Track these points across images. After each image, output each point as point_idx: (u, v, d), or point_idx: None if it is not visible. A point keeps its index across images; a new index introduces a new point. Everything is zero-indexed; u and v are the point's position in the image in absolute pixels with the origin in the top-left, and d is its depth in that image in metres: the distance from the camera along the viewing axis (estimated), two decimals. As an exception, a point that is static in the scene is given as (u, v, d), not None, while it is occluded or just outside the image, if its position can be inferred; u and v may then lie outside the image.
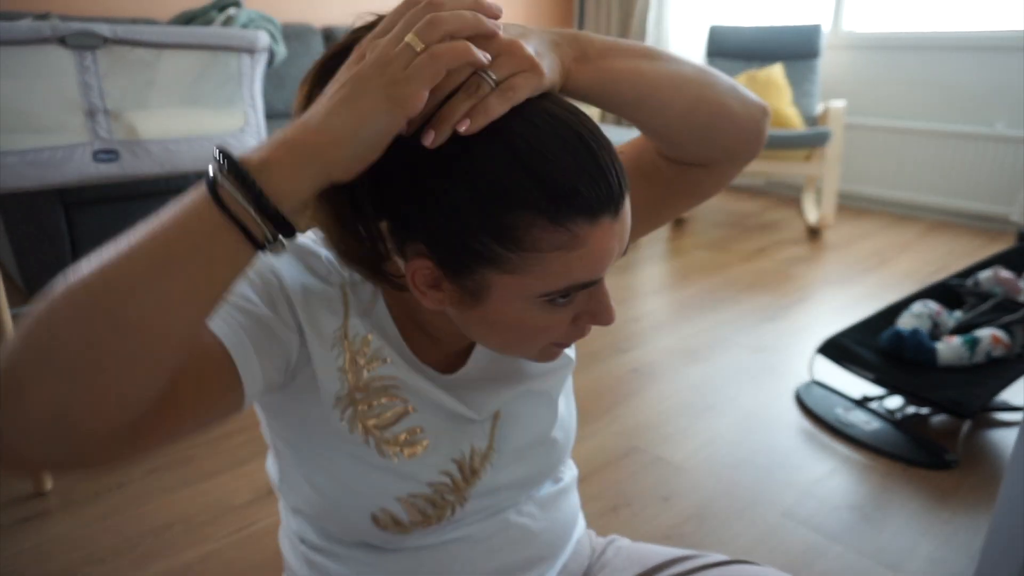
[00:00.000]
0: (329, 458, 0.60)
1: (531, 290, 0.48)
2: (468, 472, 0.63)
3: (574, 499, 0.77)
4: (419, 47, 0.42)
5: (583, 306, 0.52)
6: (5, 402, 0.37)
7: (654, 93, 0.55)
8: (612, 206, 0.47)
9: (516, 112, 0.46)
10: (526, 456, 0.67)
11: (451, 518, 0.63)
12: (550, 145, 0.45)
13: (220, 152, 0.40)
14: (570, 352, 0.70)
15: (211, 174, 0.40)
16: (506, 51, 0.46)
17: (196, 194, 0.40)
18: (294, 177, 0.41)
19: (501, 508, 0.68)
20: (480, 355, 0.65)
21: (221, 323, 0.50)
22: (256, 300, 0.53)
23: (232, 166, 0.40)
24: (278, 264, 0.56)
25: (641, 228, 0.66)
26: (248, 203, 0.40)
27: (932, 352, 1.69)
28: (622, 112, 0.56)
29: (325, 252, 0.58)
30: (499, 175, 0.45)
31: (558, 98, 0.50)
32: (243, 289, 0.53)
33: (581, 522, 0.79)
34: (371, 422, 0.59)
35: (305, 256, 0.58)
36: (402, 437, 0.60)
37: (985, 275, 1.96)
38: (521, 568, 0.68)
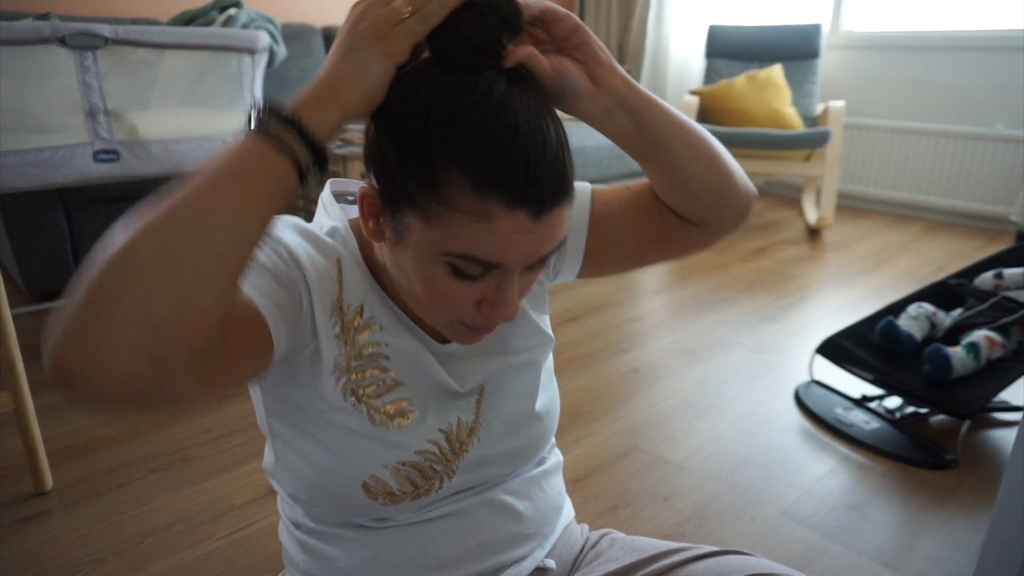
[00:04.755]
0: (323, 429, 0.62)
1: (439, 245, 0.53)
2: (456, 443, 0.66)
3: (558, 483, 0.78)
4: (406, 11, 0.51)
5: (490, 292, 0.56)
6: (96, 316, 0.41)
7: (683, 136, 0.62)
8: (531, 207, 0.51)
9: (494, 94, 0.51)
10: (512, 430, 0.69)
11: (439, 491, 0.65)
12: (503, 130, 0.50)
13: (261, 102, 0.49)
14: (548, 330, 0.74)
15: (257, 117, 0.49)
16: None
17: (244, 137, 0.49)
18: (321, 116, 0.50)
19: (487, 485, 0.70)
20: None
21: (251, 287, 0.54)
22: (273, 264, 0.57)
23: (276, 111, 0.49)
24: (282, 235, 0.60)
25: (627, 260, 0.73)
26: (293, 135, 0.48)
27: (952, 370, 1.65)
28: (645, 143, 0.61)
29: (325, 235, 0.63)
30: (448, 130, 0.50)
31: (544, 104, 0.54)
32: (260, 257, 0.56)
33: (569, 509, 0.81)
34: (363, 391, 0.62)
35: (306, 233, 0.62)
36: (392, 408, 0.63)
37: (1012, 272, 1.93)
38: (506, 546, 0.70)
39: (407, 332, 0.64)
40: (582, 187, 0.72)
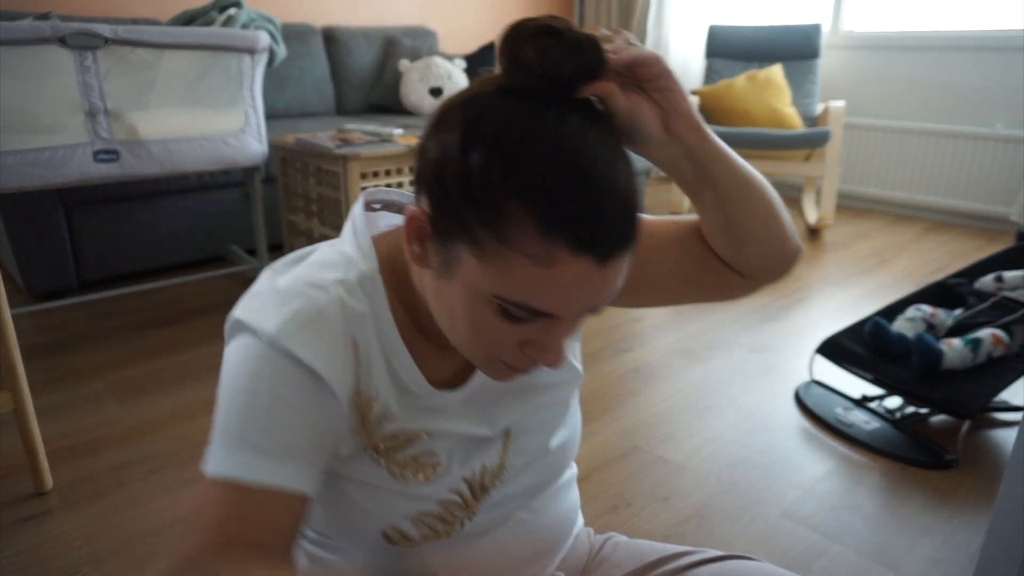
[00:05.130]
0: (341, 482, 0.60)
1: (492, 286, 0.48)
2: (478, 489, 0.64)
3: (573, 496, 0.77)
4: None
5: (536, 334, 0.52)
6: None
7: (744, 191, 0.60)
8: (599, 252, 0.47)
9: (567, 129, 0.47)
10: (534, 467, 0.67)
11: (460, 531, 0.64)
12: (575, 168, 0.46)
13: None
14: (578, 364, 0.71)
15: None
16: None
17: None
18: None
19: (507, 513, 0.69)
20: None
21: (297, 464, 0.51)
22: (302, 406, 0.52)
23: None
24: (297, 351, 0.52)
25: (663, 296, 0.69)
26: None
27: (939, 357, 1.67)
28: (705, 191, 0.60)
29: (332, 291, 0.55)
30: (517, 162, 0.46)
31: (615, 143, 0.50)
32: (287, 397, 0.51)
33: (580, 518, 0.81)
34: (383, 446, 0.59)
35: (319, 323, 0.54)
36: (414, 460, 0.60)
37: (1011, 275, 1.92)
38: (523, 563, 0.69)
39: (420, 406, 0.61)
40: None
